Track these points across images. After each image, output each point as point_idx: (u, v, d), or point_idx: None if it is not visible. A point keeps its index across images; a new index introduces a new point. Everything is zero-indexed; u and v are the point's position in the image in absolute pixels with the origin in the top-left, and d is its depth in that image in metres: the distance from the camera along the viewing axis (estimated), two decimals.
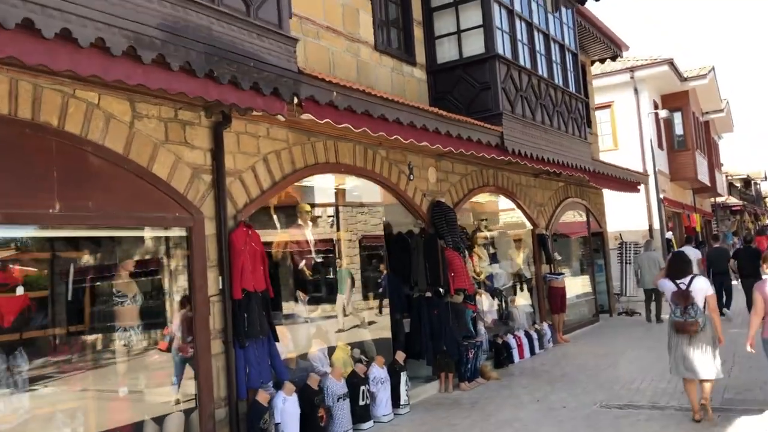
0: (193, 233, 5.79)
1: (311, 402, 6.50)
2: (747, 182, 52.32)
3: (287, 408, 6.18)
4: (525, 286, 12.61)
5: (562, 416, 7.29)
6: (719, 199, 37.41)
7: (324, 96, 6.15)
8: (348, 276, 8.58)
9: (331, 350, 7.82)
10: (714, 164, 30.56)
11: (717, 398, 7.15)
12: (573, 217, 15.04)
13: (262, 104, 5.55)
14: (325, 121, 6.37)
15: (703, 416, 6.57)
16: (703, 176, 26.09)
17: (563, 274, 12.97)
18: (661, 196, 21.25)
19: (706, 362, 6.40)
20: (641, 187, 20.59)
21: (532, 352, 11.20)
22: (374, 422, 7.36)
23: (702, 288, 6.50)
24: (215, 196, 6.05)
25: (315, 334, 7.95)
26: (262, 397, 6.01)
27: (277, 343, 6.40)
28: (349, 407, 6.98)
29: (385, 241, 9.27)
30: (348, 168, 7.89)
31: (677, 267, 6.72)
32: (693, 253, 13.84)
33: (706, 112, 29.00)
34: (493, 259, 12.59)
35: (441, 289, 8.98)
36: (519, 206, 12.28)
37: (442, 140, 8.17)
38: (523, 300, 12.36)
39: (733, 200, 40.93)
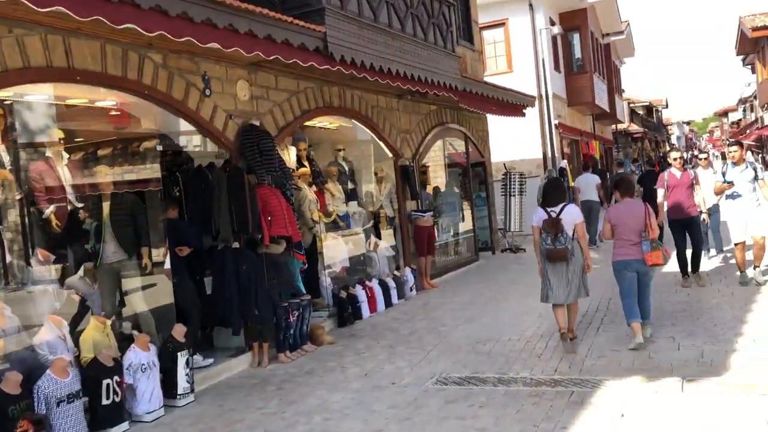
0: None
1: (4, 414, 4.51)
2: (649, 109, 52.67)
3: None
4: (387, 227, 10.87)
5: (382, 400, 5.61)
6: (620, 126, 36.99)
7: None
8: (109, 226, 6.45)
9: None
10: (614, 89, 29.63)
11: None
12: (449, 146, 13.35)
13: None
14: None
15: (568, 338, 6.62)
16: (602, 101, 25.01)
17: (430, 211, 11.29)
18: (556, 122, 19.91)
19: (574, 287, 6.52)
20: (534, 113, 19.22)
21: (388, 303, 9.54)
22: (131, 422, 5.47)
23: (572, 216, 6.50)
24: None
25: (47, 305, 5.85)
26: None
27: None
28: (81, 410, 5.04)
29: (179, 177, 7.20)
30: (90, 76, 5.68)
31: (550, 195, 6.72)
32: (592, 179, 13.84)
33: (607, 34, 27.76)
34: (352, 196, 10.75)
35: (253, 238, 7.09)
36: (377, 133, 10.39)
37: (236, 40, 6.08)
38: (384, 243, 10.63)
39: (635, 127, 40.76)
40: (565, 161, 20.53)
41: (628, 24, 29.52)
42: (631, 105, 42.61)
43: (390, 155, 10.79)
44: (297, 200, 8.66)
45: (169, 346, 5.93)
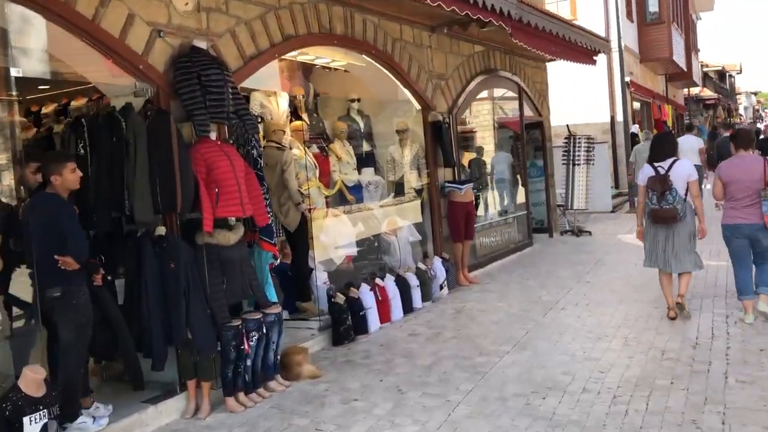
0: None
1: None
2: (722, 75, 48.13)
3: None
4: (413, 202, 8.24)
5: None
6: (693, 91, 33.16)
7: None
8: None
9: None
10: (691, 47, 25.99)
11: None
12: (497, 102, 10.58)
13: None
14: None
15: (679, 313, 6.00)
16: (679, 58, 21.59)
17: (471, 182, 8.60)
18: (628, 79, 16.79)
19: (683, 255, 5.92)
20: (602, 68, 16.18)
21: (408, 308, 6.97)
22: None
23: (684, 172, 5.86)
24: None
25: None
26: None
27: None
28: None
29: (84, 127, 4.71)
30: None
31: (658, 149, 6.07)
32: (695, 142, 12.54)
33: None
34: (367, 161, 8.18)
35: (189, 220, 4.62)
36: (400, 77, 7.71)
37: None
38: (407, 223, 8.02)
39: (707, 93, 36.73)
40: (637, 126, 17.49)
41: None
42: (704, 68, 38.45)
43: (418, 107, 8.11)
44: (278, 163, 6.15)
45: (4, 407, 3.50)
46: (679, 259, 5.93)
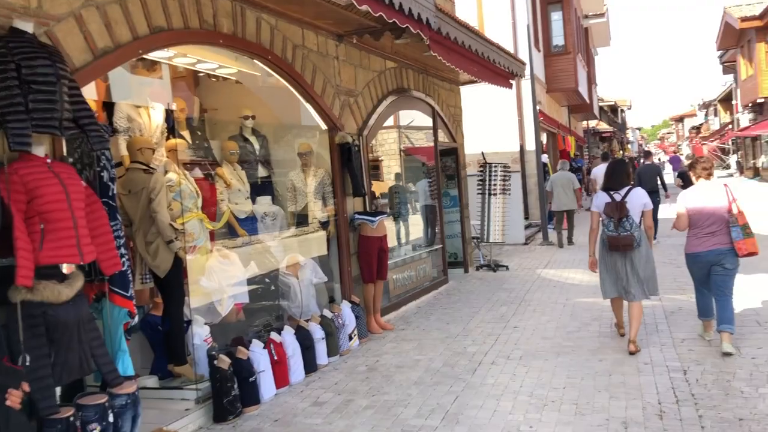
0: None
1: None
2: (614, 109, 50.29)
3: None
4: (317, 236, 7.06)
5: None
6: (591, 123, 34.05)
7: None
8: None
9: None
10: (591, 80, 26.50)
11: None
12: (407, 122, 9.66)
13: None
14: None
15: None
16: (583, 89, 21.74)
17: (385, 213, 7.54)
18: (538, 107, 16.45)
19: (640, 283, 5.80)
20: (512, 95, 15.77)
21: (311, 366, 5.75)
22: None
23: (640, 201, 5.84)
24: None
25: None
26: None
27: None
28: None
29: None
30: None
31: (614, 177, 5.98)
32: (570, 177, 13.18)
33: (586, 16, 24.59)
34: (264, 188, 6.95)
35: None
36: (302, 90, 6.57)
37: None
38: (311, 261, 6.82)
39: (604, 126, 37.93)
40: (546, 156, 17.18)
41: (607, 8, 26.45)
42: (600, 103, 39.81)
43: (324, 127, 6.99)
44: (144, 190, 4.83)
45: None
46: (635, 287, 5.82)
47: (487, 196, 11.03)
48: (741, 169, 38.98)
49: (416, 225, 10.42)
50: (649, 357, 5.59)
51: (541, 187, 14.25)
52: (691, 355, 5.57)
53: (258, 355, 5.10)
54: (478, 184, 11.20)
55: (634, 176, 11.05)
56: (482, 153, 11.56)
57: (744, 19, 27.29)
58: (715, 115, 54.54)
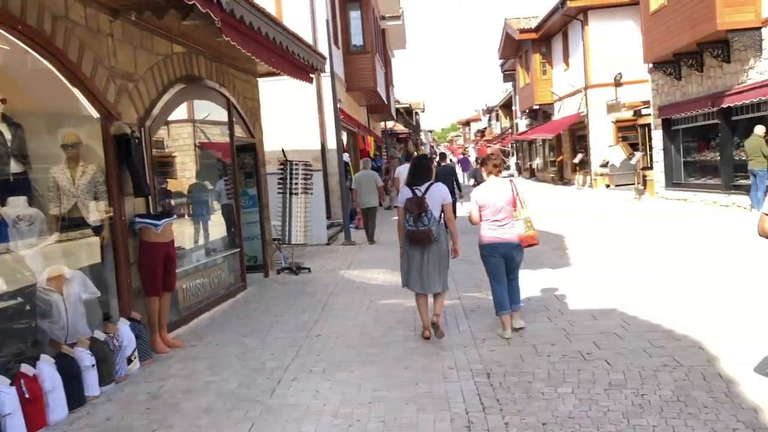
0: None
1: None
2: (409, 111, 52.39)
3: None
4: (88, 243, 6.04)
5: None
6: (389, 124, 35.05)
7: None
8: None
9: None
10: (389, 82, 27.13)
11: None
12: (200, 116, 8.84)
13: None
14: None
15: (432, 334, 6.01)
16: (382, 90, 22.09)
17: (173, 215, 6.69)
18: (339, 105, 16.28)
19: (436, 276, 6.05)
20: (312, 92, 15.45)
21: (77, 399, 4.82)
22: None
23: (439, 195, 6.02)
24: None
25: None
26: None
27: None
28: None
29: None
30: None
31: (417, 173, 6.16)
32: (374, 176, 13.71)
33: (383, 17, 25.08)
34: (16, 187, 5.76)
35: None
36: (67, 70, 5.54)
37: None
38: (79, 273, 5.78)
39: (401, 127, 39.27)
40: (347, 155, 17.10)
41: (403, 11, 27.25)
42: (396, 104, 41.18)
43: (96, 115, 5.99)
44: None
45: None
46: (432, 280, 6.02)
47: (288, 195, 10.52)
48: (519, 169, 42.69)
49: (212, 227, 9.60)
50: (453, 361, 5.45)
51: (343, 186, 14.07)
52: (492, 355, 5.53)
53: (3, 395, 4.10)
54: (279, 183, 10.65)
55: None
56: (282, 150, 11.03)
57: (522, 31, 29.75)
58: (497, 119, 59.37)
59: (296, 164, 10.62)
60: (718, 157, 15.64)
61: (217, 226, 9.58)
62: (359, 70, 19.23)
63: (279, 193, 10.58)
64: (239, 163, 10.18)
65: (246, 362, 5.80)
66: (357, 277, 9.78)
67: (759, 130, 12.86)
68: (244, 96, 9.81)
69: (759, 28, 12.99)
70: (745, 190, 13.83)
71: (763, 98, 12.91)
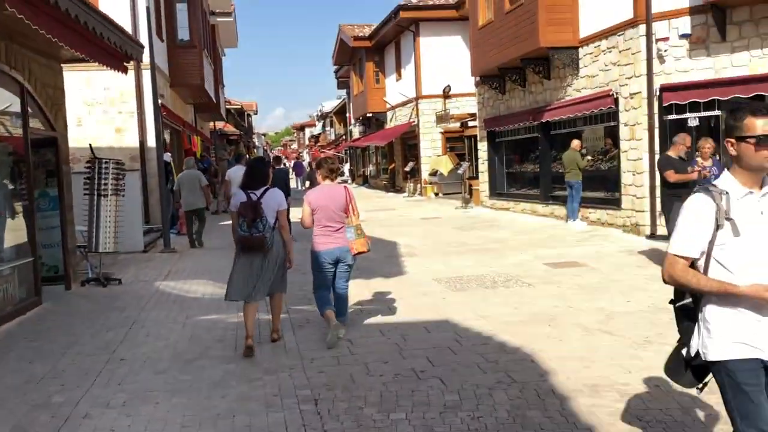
0: None
1: None
2: (241, 113, 50.91)
3: None
4: None
5: None
6: (219, 124, 33.62)
7: None
8: None
9: None
10: (218, 80, 25.91)
11: None
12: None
13: None
14: None
15: (253, 351, 5.63)
16: (210, 88, 20.94)
17: None
18: (161, 101, 15.06)
19: (270, 284, 5.86)
20: (130, 84, 14.17)
21: None
22: None
23: (275, 201, 5.83)
24: None
25: None
26: None
27: None
28: None
29: None
30: None
31: (253, 176, 5.94)
32: (197, 175, 13.17)
33: (213, 12, 23.89)
34: None
35: None
36: None
37: None
38: None
39: (231, 128, 37.87)
40: (169, 154, 15.90)
41: (235, 9, 26.21)
42: (227, 105, 39.72)
43: None
44: None
45: None
46: (261, 288, 5.83)
47: (96, 197, 9.33)
48: (353, 176, 43.00)
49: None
50: (278, 386, 4.90)
51: (163, 187, 12.95)
52: (321, 378, 5.06)
53: None
54: (85, 184, 9.43)
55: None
56: (90, 146, 9.80)
57: (357, 39, 29.85)
58: (332, 126, 59.56)
59: (106, 162, 9.47)
60: (538, 169, 16.51)
61: (7, 232, 8.22)
62: (185, 65, 18.04)
63: (86, 194, 9.37)
64: (39, 160, 8.90)
65: (27, 396, 4.82)
66: (174, 289, 8.88)
67: (575, 144, 13.67)
68: (44, 83, 8.55)
69: (576, 47, 13.83)
70: (562, 201, 14.65)
71: (579, 114, 13.76)
